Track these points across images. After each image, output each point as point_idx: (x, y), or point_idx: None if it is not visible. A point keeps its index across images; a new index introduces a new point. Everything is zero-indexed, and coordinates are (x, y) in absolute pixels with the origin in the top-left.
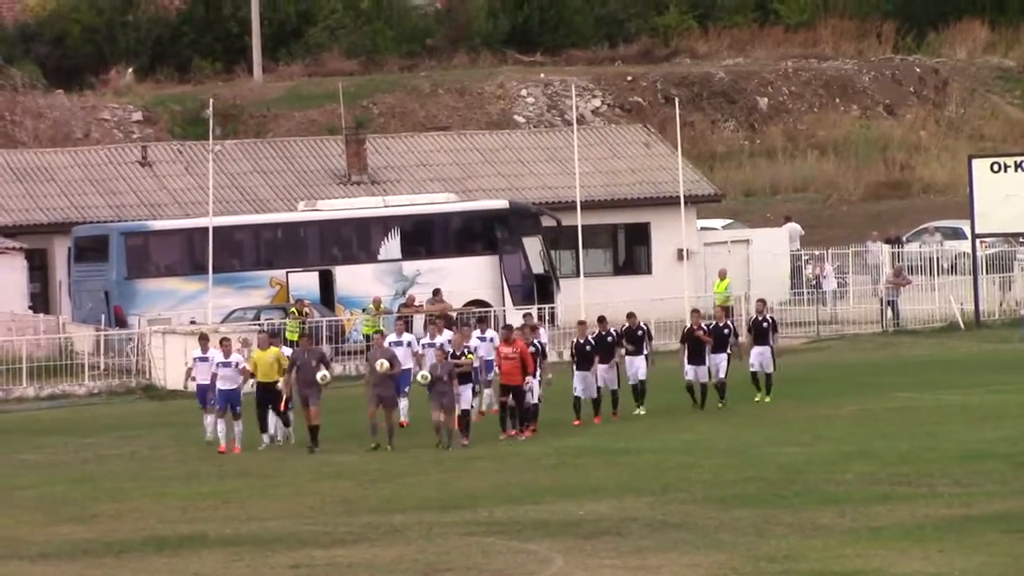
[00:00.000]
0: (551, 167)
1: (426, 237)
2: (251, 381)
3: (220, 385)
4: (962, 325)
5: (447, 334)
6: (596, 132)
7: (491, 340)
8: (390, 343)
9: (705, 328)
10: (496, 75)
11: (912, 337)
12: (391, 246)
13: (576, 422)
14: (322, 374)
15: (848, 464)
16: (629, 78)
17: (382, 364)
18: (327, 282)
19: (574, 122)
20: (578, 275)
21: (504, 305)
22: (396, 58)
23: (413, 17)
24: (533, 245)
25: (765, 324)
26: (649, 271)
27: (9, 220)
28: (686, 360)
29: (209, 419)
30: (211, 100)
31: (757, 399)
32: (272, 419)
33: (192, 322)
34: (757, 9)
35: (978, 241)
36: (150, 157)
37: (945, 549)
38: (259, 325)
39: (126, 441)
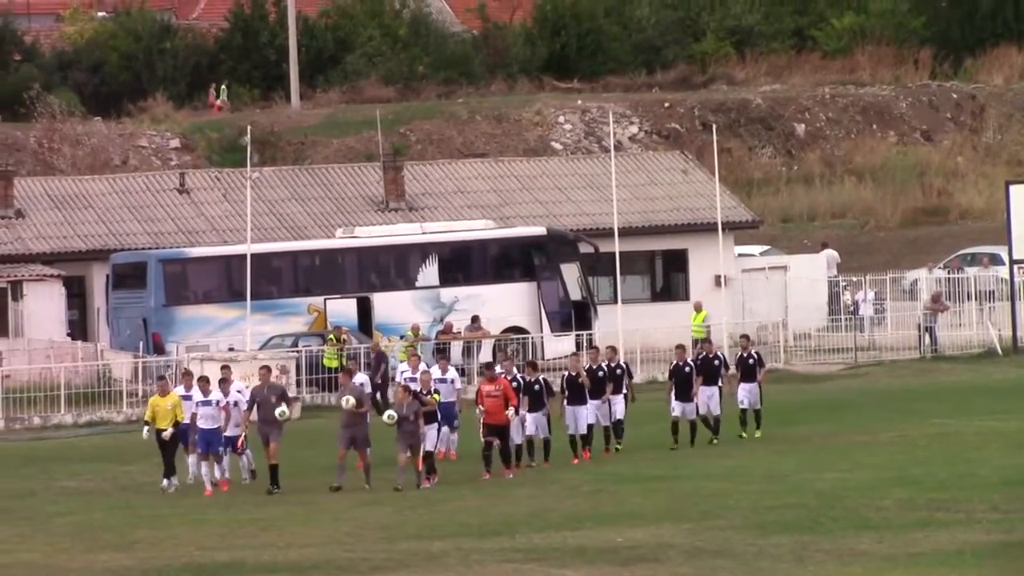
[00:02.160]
0: (588, 194)
1: (464, 264)
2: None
3: (201, 424)
4: (1000, 351)
5: (423, 367)
6: (633, 158)
7: (451, 382)
8: (406, 379)
9: (692, 363)
10: (533, 102)
11: (950, 363)
12: (429, 273)
13: (575, 459)
14: (281, 410)
15: (887, 490)
16: (666, 104)
17: (347, 401)
18: (365, 309)
19: (611, 148)
20: (616, 301)
21: (542, 331)
22: (433, 85)
23: (450, 44)
24: (571, 272)
25: (752, 360)
26: (687, 297)
27: (47, 247)
28: (673, 396)
29: (191, 459)
30: (249, 127)
31: (743, 435)
32: (239, 459)
33: (230, 349)
34: (794, 36)
35: (1016, 267)
36: (188, 184)
37: (984, 575)
38: (297, 352)
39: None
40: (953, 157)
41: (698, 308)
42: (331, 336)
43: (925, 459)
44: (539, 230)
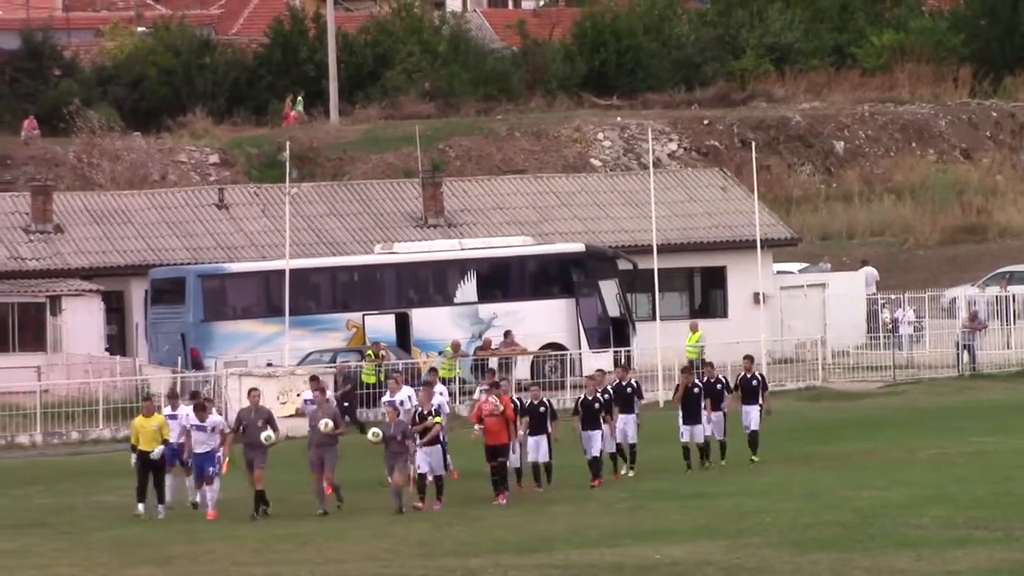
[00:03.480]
0: (627, 210)
1: (502, 280)
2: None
3: (196, 449)
4: None
5: (406, 390)
6: (672, 175)
7: (440, 395)
8: (385, 401)
9: (699, 385)
10: (572, 118)
11: (988, 381)
12: (467, 289)
13: (596, 482)
14: (266, 434)
15: (925, 508)
16: (706, 121)
17: (326, 424)
18: (403, 325)
19: (651, 165)
20: (654, 318)
21: (580, 348)
22: (472, 101)
23: (490, 60)
24: (609, 288)
25: (755, 382)
26: (725, 315)
27: (86, 262)
28: (681, 420)
29: (189, 482)
30: (288, 143)
31: (755, 459)
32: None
33: (269, 364)
34: (834, 53)
35: None
36: (227, 199)
37: None
38: (335, 368)
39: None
40: (992, 175)
41: (693, 328)
42: (369, 352)
43: (963, 477)
44: (578, 247)
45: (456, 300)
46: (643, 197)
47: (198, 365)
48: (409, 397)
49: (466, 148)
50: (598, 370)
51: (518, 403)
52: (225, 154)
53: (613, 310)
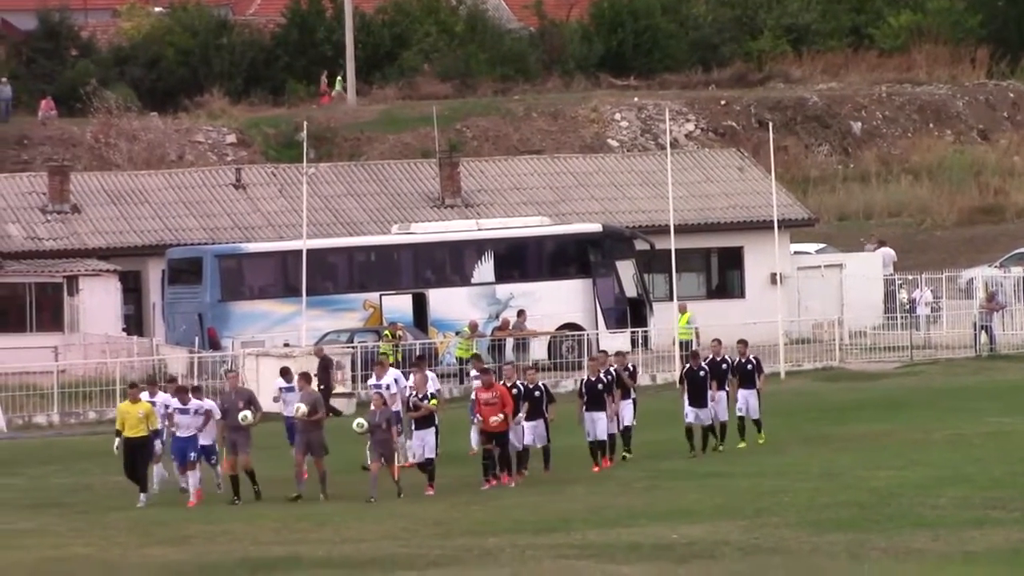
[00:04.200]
0: (644, 191)
1: (519, 260)
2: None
3: (179, 433)
4: None
5: (392, 374)
6: (690, 156)
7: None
8: (372, 385)
9: (705, 368)
10: (590, 99)
11: (1006, 362)
12: (484, 269)
13: (595, 468)
14: (243, 414)
15: (942, 489)
16: (723, 102)
17: (298, 409)
18: (420, 305)
19: (667, 146)
20: (671, 299)
21: (597, 328)
22: (490, 81)
23: (507, 40)
24: (626, 269)
25: (750, 366)
26: (742, 295)
27: (103, 242)
28: (686, 402)
29: (175, 468)
30: (305, 123)
31: (741, 445)
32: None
33: (286, 344)
34: (851, 34)
35: None
36: (244, 179)
37: None
38: (352, 348)
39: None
40: (1010, 156)
41: (682, 310)
42: (386, 332)
43: (980, 457)
44: (595, 227)
45: (473, 280)
46: (660, 177)
47: (215, 345)
48: (396, 380)
49: (483, 128)
50: (600, 351)
51: (521, 388)
52: (242, 134)
53: (630, 290)
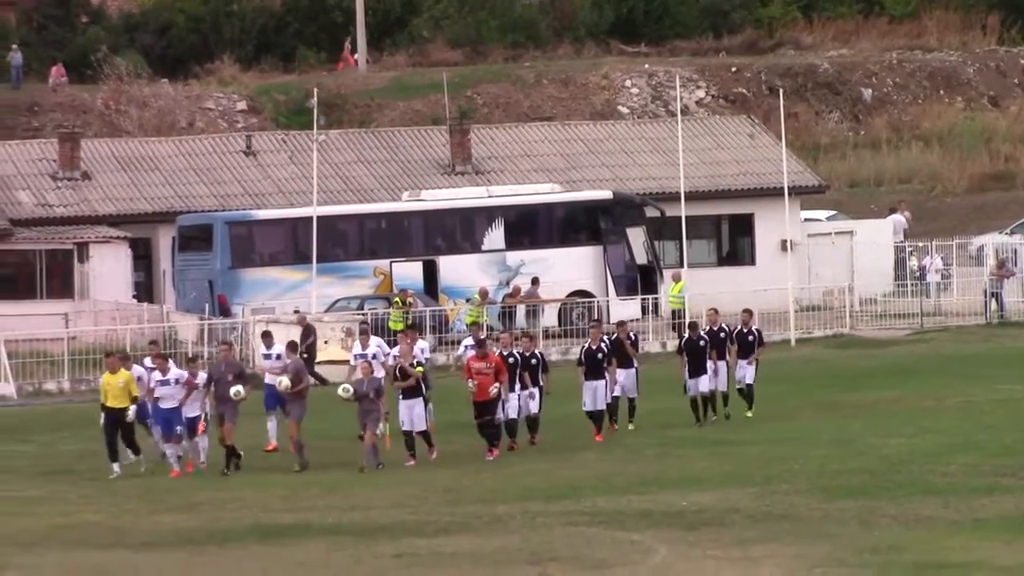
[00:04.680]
0: (655, 158)
1: (530, 227)
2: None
3: (161, 404)
4: None
5: (374, 342)
6: (700, 123)
7: (421, 351)
8: (355, 355)
9: (705, 337)
10: (600, 66)
11: (1017, 329)
12: (495, 236)
13: (598, 437)
14: (235, 389)
15: (952, 456)
16: (733, 69)
17: (281, 382)
18: (431, 272)
19: (678, 113)
20: (682, 266)
21: (608, 296)
22: (500, 48)
23: (517, 7)
24: (637, 236)
25: (751, 338)
26: (753, 262)
27: (114, 209)
28: (686, 373)
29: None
30: (315, 90)
31: (749, 414)
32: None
33: (296, 311)
34: (861, 0)
35: None
36: (254, 146)
37: None
38: (362, 314)
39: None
40: (1020, 123)
41: (676, 278)
42: (397, 299)
43: (991, 425)
44: (605, 194)
45: (484, 247)
46: (671, 144)
47: (225, 312)
48: (379, 346)
49: (494, 95)
50: (595, 320)
51: (518, 357)
52: (252, 101)
53: (641, 257)
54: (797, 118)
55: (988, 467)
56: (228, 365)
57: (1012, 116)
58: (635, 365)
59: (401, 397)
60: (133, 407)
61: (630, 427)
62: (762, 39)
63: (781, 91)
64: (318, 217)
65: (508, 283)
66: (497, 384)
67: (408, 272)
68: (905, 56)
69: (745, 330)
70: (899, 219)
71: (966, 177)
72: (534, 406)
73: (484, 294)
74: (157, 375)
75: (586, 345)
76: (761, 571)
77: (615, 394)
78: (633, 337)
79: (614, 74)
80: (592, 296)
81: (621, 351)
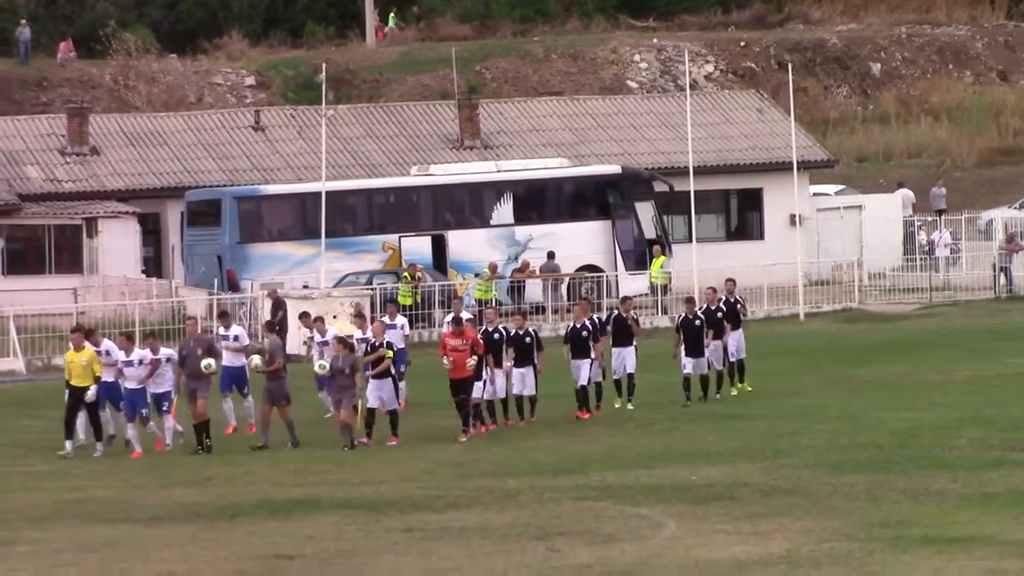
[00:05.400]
0: (664, 132)
1: (539, 202)
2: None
3: (126, 384)
4: None
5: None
6: (709, 97)
7: (401, 327)
8: (332, 336)
9: (701, 316)
10: (609, 40)
11: None
12: (504, 211)
13: (586, 414)
14: (206, 362)
15: (961, 430)
16: (742, 43)
17: (251, 362)
18: (440, 247)
19: (687, 87)
20: (690, 240)
21: (616, 270)
22: (509, 23)
23: None
24: (645, 210)
25: (739, 305)
26: (762, 236)
27: (122, 184)
28: (683, 352)
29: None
30: (324, 65)
31: (735, 392)
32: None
33: (305, 286)
34: None
35: None
36: (263, 121)
37: None
38: (371, 289)
39: (237, 404)
40: None
41: (657, 254)
42: (405, 274)
43: (999, 399)
44: (614, 168)
45: (492, 222)
46: (679, 119)
47: (234, 287)
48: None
49: (502, 70)
50: (583, 299)
51: (504, 333)
52: (261, 76)
53: (649, 232)
54: (806, 92)
55: (997, 441)
56: (196, 340)
57: (1021, 90)
58: (635, 343)
59: (370, 377)
60: (94, 387)
61: (629, 407)
62: (771, 13)
63: (790, 65)
64: (327, 192)
65: (517, 258)
66: (473, 358)
67: (417, 247)
68: (914, 30)
69: (732, 300)
70: (907, 193)
71: (975, 152)
72: (529, 386)
73: (493, 269)
74: (122, 355)
75: (571, 324)
76: (771, 545)
77: (615, 375)
78: (635, 315)
79: (623, 49)
80: (601, 271)
81: (624, 327)
